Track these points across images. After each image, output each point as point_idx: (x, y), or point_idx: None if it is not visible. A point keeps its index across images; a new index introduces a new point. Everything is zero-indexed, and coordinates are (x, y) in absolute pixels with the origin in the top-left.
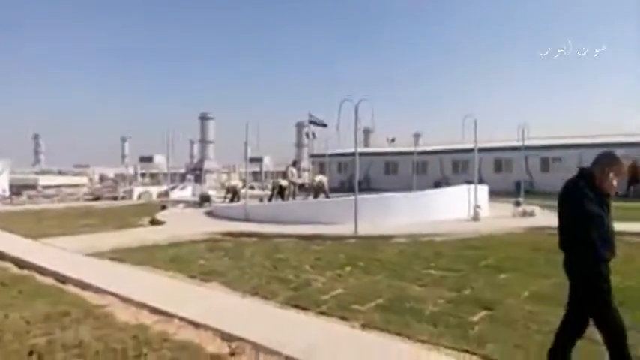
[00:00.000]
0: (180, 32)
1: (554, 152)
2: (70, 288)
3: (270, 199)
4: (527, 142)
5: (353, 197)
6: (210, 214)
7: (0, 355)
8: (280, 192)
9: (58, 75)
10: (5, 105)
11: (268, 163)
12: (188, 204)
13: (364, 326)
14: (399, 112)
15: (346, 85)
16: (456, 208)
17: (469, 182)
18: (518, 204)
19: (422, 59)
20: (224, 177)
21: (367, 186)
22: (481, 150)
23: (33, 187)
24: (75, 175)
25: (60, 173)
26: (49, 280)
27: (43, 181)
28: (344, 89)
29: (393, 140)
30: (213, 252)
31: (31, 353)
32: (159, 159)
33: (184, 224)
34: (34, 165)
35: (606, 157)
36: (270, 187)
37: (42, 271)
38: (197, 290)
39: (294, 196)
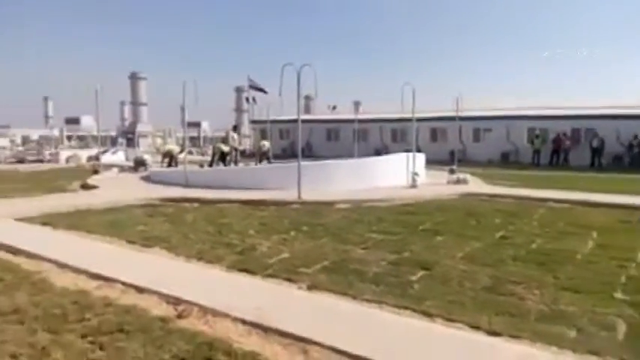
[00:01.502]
0: None
1: (486, 123)
2: (1, 254)
3: (210, 165)
4: (461, 113)
5: (296, 163)
6: (146, 179)
7: None
8: (222, 157)
9: None
10: None
11: (207, 128)
12: (122, 168)
13: (310, 288)
14: (339, 79)
15: (287, 50)
16: (395, 176)
17: (408, 150)
18: (452, 171)
19: (363, 26)
20: (159, 141)
21: (309, 152)
22: (419, 119)
23: None
24: None
25: None
26: None
27: None
28: (285, 54)
29: (334, 108)
30: (153, 217)
31: None
32: (86, 120)
33: (119, 189)
34: None
35: None
36: (210, 152)
37: None
38: (139, 255)
39: (236, 161)
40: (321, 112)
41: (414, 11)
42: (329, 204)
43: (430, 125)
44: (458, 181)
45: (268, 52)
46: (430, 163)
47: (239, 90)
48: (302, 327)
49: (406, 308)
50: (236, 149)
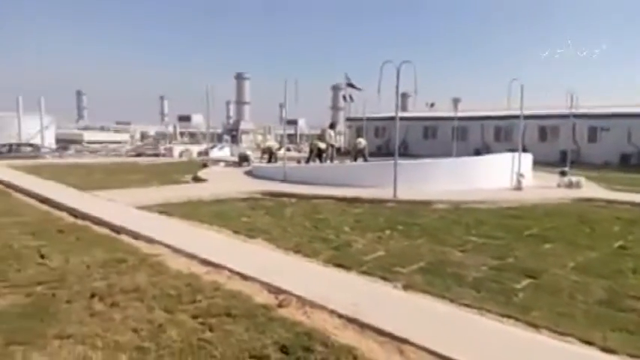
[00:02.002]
0: None
1: (603, 121)
2: (124, 238)
3: (307, 161)
4: (575, 111)
5: (392, 161)
6: (249, 173)
7: (64, 296)
8: (319, 154)
9: (98, 31)
10: (48, 60)
11: (303, 126)
12: (228, 163)
13: (406, 287)
14: (436, 76)
15: (383, 47)
16: (499, 177)
17: (512, 150)
18: (563, 174)
19: (464, 24)
20: (259, 138)
21: (404, 151)
22: (526, 117)
23: (78, 142)
24: (116, 131)
25: (102, 129)
26: (103, 230)
27: (88, 136)
28: (381, 51)
29: (432, 105)
30: (255, 210)
31: (92, 295)
32: (197, 118)
33: (225, 182)
34: (77, 121)
35: None
36: (306, 149)
37: (96, 221)
38: (243, 245)
39: (332, 158)
40: (417, 110)
41: (516, 7)
42: (426, 204)
43: (539, 123)
44: (570, 185)
45: (366, 51)
46: (538, 164)
47: (336, 88)
48: (398, 326)
49: (509, 317)
50: (332, 146)
